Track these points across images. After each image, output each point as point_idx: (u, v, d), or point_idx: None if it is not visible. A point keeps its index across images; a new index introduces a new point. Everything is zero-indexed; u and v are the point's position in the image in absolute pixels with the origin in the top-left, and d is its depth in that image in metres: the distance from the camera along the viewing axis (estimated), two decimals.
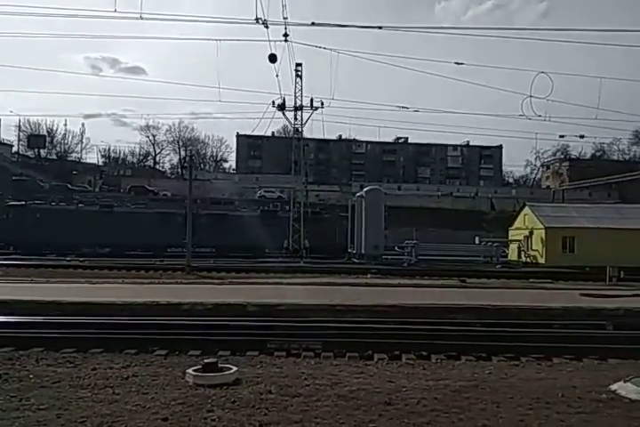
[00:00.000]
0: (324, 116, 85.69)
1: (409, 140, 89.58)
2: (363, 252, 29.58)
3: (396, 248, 30.38)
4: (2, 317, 8.67)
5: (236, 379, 5.45)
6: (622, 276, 19.73)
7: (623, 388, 5.14)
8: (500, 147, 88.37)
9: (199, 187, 53.79)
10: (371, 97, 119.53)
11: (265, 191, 58.35)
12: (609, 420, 4.30)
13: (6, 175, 53.33)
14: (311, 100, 33.57)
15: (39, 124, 75.88)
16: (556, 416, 4.38)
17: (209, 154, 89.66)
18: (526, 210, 31.97)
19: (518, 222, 32.76)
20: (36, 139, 74.66)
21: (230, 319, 8.96)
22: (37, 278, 15.95)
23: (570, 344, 7.98)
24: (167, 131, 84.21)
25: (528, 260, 30.25)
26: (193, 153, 71.76)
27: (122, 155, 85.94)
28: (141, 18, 16.15)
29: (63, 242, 30.25)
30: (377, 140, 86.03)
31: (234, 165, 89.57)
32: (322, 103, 33.32)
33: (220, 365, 5.60)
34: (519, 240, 31.44)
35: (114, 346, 7.08)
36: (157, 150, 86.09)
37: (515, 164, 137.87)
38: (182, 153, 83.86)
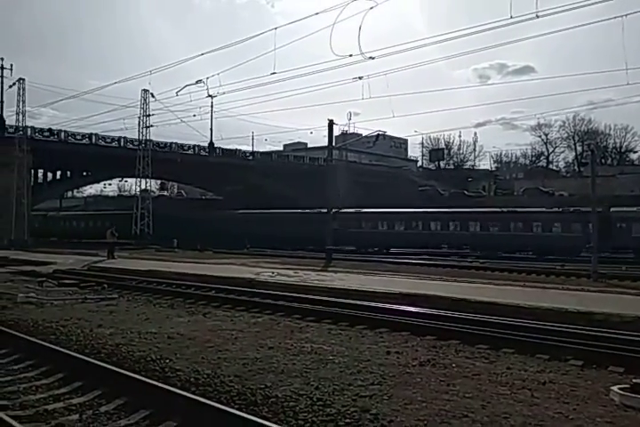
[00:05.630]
0: None
1: None
2: None
3: None
4: (427, 309, 9.99)
5: None
6: None
7: None
8: None
9: (601, 184, 48.15)
10: None
11: None
12: None
13: (413, 186, 62.26)
14: None
15: (438, 139, 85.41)
16: None
17: (611, 146, 79.76)
18: None
19: None
20: (436, 152, 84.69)
21: None
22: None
23: None
24: (560, 127, 79.74)
25: None
26: (592, 147, 65.18)
27: (513, 158, 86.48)
28: (537, 17, 15.49)
29: None
30: None
31: None
32: None
33: None
34: None
35: (526, 349, 7.12)
36: (550, 149, 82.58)
37: None
38: (579, 149, 77.61)
